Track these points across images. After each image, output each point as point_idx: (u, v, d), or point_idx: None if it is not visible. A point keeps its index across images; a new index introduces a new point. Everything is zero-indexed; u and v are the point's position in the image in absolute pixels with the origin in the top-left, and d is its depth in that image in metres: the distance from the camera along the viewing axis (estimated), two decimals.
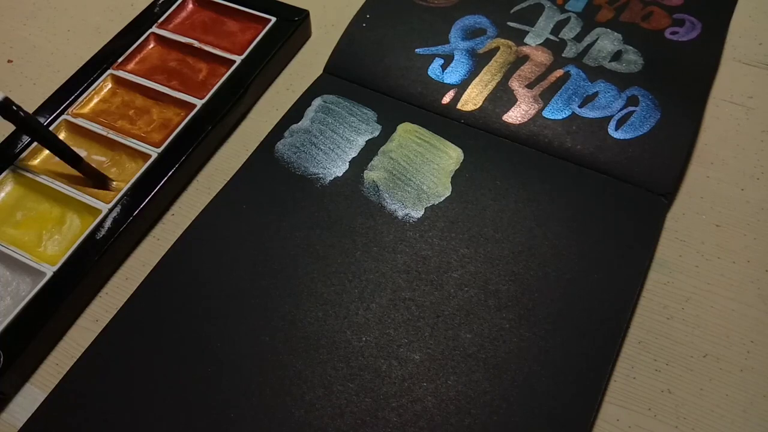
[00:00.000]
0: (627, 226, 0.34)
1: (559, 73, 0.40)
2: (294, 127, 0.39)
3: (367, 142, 0.38)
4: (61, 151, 0.35)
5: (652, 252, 0.34)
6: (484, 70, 0.41)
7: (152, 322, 0.32)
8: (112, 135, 0.38)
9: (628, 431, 0.29)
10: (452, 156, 0.38)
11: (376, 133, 0.39)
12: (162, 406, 0.29)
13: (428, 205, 0.36)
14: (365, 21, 0.44)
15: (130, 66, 0.43)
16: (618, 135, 0.37)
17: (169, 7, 0.45)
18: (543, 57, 0.41)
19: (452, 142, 0.38)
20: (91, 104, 0.41)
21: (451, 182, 0.36)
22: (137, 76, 0.41)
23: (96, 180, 0.36)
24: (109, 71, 0.42)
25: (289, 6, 0.45)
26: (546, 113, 0.39)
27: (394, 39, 0.43)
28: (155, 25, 0.44)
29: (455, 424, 0.29)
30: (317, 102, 0.40)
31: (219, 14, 0.46)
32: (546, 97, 0.39)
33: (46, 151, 0.38)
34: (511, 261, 0.33)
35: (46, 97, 0.41)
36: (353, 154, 0.38)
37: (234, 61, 0.42)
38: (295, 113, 0.40)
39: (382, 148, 0.38)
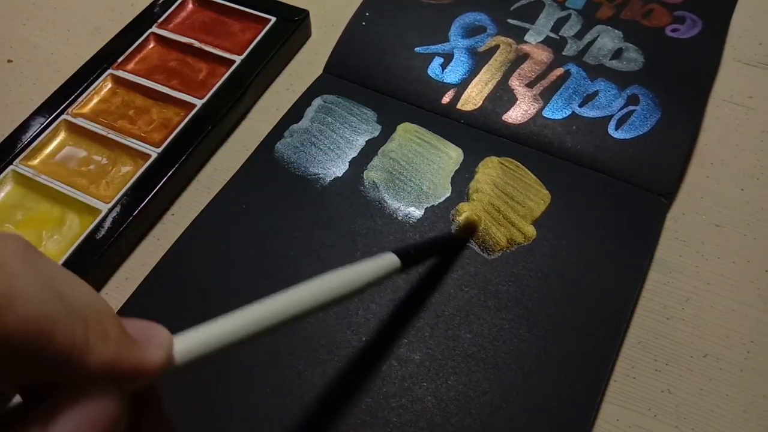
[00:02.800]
0: (627, 226, 0.34)
1: (559, 71, 0.40)
2: (294, 127, 0.39)
3: (367, 142, 0.38)
4: (445, 243, 0.34)
5: (652, 252, 0.34)
6: (484, 69, 0.41)
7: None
8: (112, 135, 0.38)
9: (628, 431, 0.29)
10: (452, 156, 0.38)
11: (376, 133, 0.39)
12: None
13: (428, 205, 0.36)
14: (365, 19, 0.43)
15: (130, 66, 0.43)
16: (618, 135, 0.37)
17: (169, 7, 0.45)
18: (543, 55, 0.41)
19: (452, 142, 0.38)
20: (91, 104, 0.41)
21: (451, 182, 0.36)
22: (137, 76, 0.41)
23: (469, 232, 0.35)
24: (109, 71, 0.42)
25: (289, 6, 0.45)
26: (546, 113, 0.39)
27: (393, 37, 0.42)
28: (155, 25, 0.44)
29: (455, 424, 0.29)
30: (317, 102, 0.40)
31: (219, 14, 0.46)
32: (546, 96, 0.39)
33: (47, 151, 0.38)
34: (511, 261, 0.33)
35: (46, 97, 0.41)
36: (353, 154, 0.38)
37: (234, 61, 0.42)
38: (295, 113, 0.40)
39: (382, 148, 0.38)
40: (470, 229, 0.34)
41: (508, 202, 0.35)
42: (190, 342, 0.17)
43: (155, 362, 0.16)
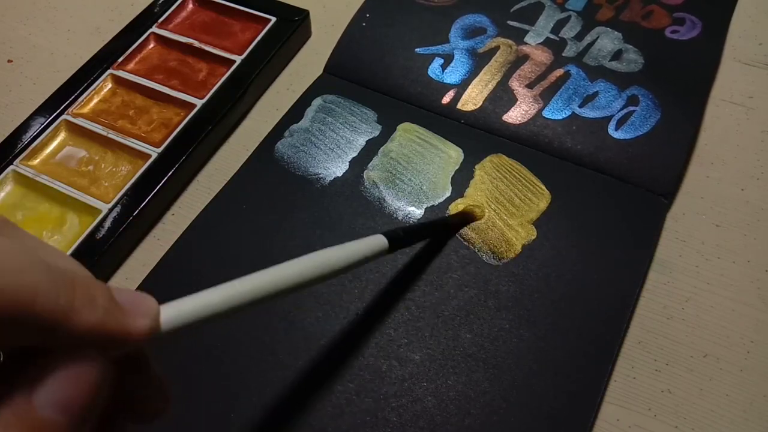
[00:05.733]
0: (627, 226, 0.34)
1: (559, 72, 0.40)
2: (294, 127, 0.39)
3: (367, 142, 0.38)
4: (432, 230, 0.34)
5: (652, 252, 0.34)
6: (484, 69, 0.41)
7: None
8: (112, 135, 0.38)
9: (628, 431, 0.29)
10: (452, 156, 0.38)
11: (376, 133, 0.39)
12: None
13: (428, 205, 0.36)
14: (365, 20, 0.44)
15: (130, 66, 0.43)
16: (618, 135, 0.37)
17: (169, 7, 0.45)
18: (543, 56, 0.41)
19: (452, 142, 0.38)
20: (91, 104, 0.41)
21: (451, 182, 0.36)
22: (137, 76, 0.41)
23: (464, 219, 0.35)
24: (109, 71, 0.42)
25: (289, 6, 0.45)
26: (546, 113, 0.39)
27: (394, 38, 0.43)
28: (155, 24, 0.44)
29: (455, 424, 0.29)
30: (317, 102, 0.40)
31: (219, 14, 0.46)
32: (546, 96, 0.39)
33: (47, 151, 0.38)
34: (511, 261, 0.33)
35: (46, 97, 0.41)
36: (353, 154, 0.38)
37: (234, 61, 0.42)
38: (295, 113, 0.40)
39: (382, 148, 0.38)
40: (465, 216, 0.35)
41: (508, 201, 0.35)
42: (176, 311, 0.18)
43: (140, 329, 0.16)
